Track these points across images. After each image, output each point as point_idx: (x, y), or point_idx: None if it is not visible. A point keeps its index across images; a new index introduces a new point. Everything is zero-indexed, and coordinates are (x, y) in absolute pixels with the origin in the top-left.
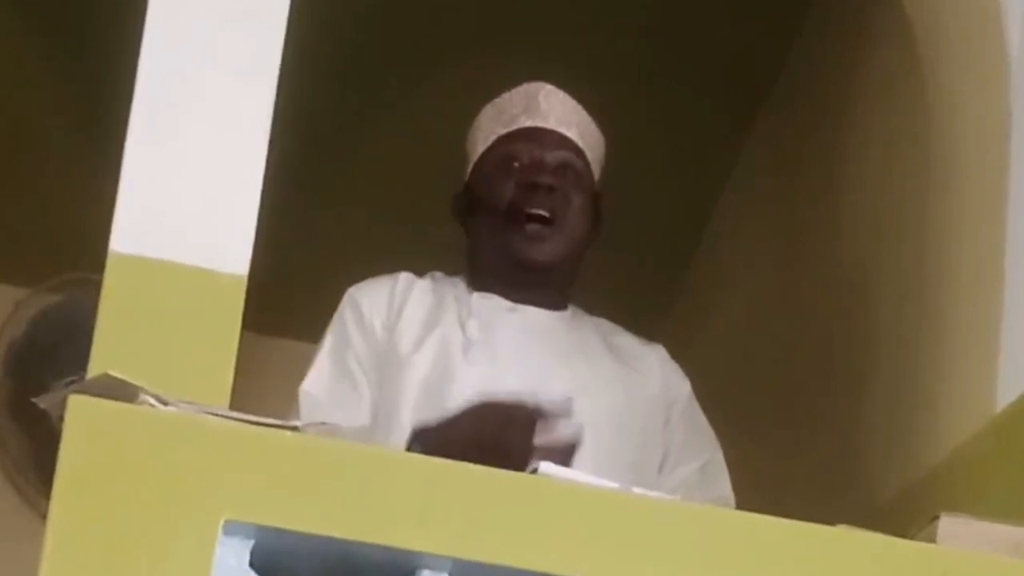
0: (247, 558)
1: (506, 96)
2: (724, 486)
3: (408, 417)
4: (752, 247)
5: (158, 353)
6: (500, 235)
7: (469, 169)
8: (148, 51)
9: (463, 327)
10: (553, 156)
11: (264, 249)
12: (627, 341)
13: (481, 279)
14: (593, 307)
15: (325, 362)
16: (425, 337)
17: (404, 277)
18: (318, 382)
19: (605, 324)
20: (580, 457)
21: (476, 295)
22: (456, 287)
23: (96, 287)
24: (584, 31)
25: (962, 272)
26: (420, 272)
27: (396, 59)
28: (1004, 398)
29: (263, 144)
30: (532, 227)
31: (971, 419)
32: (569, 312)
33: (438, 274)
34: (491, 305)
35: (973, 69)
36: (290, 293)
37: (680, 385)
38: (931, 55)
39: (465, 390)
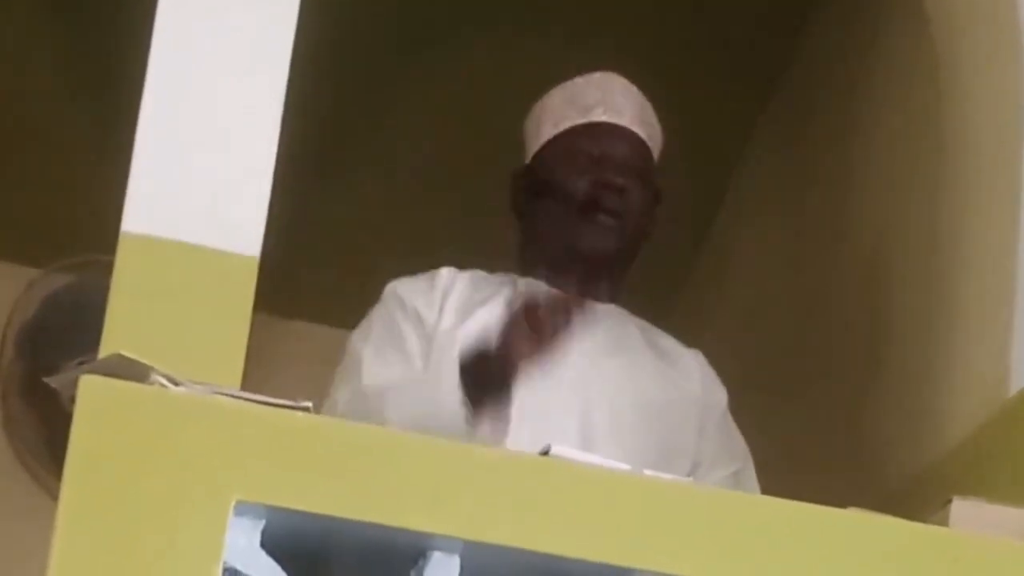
0: (258, 539)
1: (579, 82)
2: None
3: (452, 383)
4: (763, 234)
5: (170, 334)
6: (569, 224)
7: (535, 148)
8: (161, 30)
9: (509, 307)
10: (626, 156)
11: (276, 230)
12: (669, 342)
13: (532, 267)
14: None
15: (377, 355)
16: (468, 316)
17: (446, 271)
18: (378, 374)
19: (647, 325)
20: (607, 447)
21: (523, 280)
22: (502, 279)
23: (108, 268)
24: (599, 13)
25: (975, 257)
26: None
27: (412, 41)
28: (1017, 382)
29: (276, 124)
30: (604, 219)
31: (984, 404)
32: (613, 308)
33: (479, 272)
34: (538, 291)
35: (987, 54)
36: (302, 274)
37: (719, 393)
38: (944, 40)
39: None
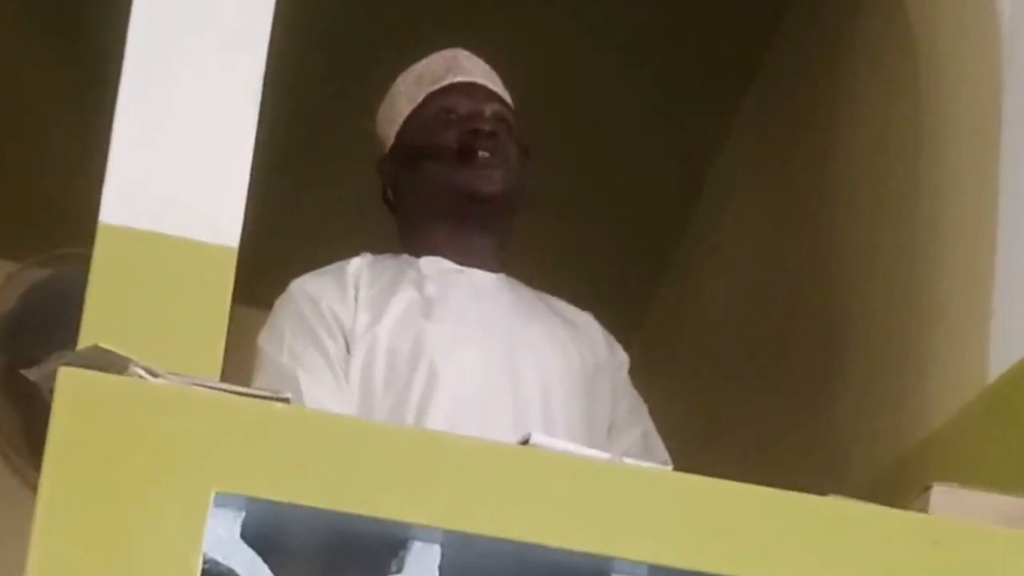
0: (238, 530)
1: (423, 62)
2: (664, 451)
3: (380, 388)
4: (744, 218)
5: (148, 325)
6: (449, 174)
7: (395, 131)
8: (137, 21)
9: (419, 289)
10: (488, 107)
11: (254, 221)
12: (563, 305)
13: (423, 244)
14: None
15: (312, 377)
16: (384, 308)
17: (355, 261)
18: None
19: (537, 291)
20: (550, 419)
21: (424, 259)
22: (399, 259)
23: (87, 261)
24: None
25: (954, 241)
26: None
27: (388, 32)
28: (996, 368)
29: (253, 114)
30: (483, 156)
31: (963, 389)
32: (504, 276)
33: (368, 254)
34: (440, 267)
35: (965, 35)
36: (281, 265)
37: (621, 352)
38: (923, 21)
39: (433, 348)
